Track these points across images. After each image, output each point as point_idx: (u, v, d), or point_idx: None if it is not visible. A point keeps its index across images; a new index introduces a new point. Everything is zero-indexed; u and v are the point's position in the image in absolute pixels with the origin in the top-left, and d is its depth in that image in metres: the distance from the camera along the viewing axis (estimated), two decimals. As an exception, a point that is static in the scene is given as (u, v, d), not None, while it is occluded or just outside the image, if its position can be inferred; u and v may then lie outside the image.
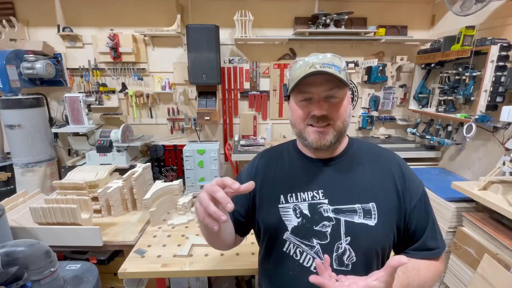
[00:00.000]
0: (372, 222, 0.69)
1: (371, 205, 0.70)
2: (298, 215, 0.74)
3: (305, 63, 0.69)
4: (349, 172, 0.75)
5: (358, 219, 0.70)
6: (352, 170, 0.75)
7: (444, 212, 1.74)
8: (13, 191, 2.30)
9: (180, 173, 2.69)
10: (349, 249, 0.69)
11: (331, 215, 0.71)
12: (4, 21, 2.25)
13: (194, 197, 1.68)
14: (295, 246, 0.73)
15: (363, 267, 0.70)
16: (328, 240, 0.70)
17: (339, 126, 0.71)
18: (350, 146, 0.80)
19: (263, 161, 0.86)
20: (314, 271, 0.69)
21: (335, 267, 0.69)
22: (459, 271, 1.59)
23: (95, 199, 1.55)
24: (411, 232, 0.73)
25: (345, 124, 0.72)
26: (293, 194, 0.76)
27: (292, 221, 0.74)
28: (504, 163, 1.56)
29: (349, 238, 0.69)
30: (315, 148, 0.73)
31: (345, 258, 0.69)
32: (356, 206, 0.71)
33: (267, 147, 0.93)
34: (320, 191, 0.74)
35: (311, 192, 0.74)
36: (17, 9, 2.40)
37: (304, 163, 0.79)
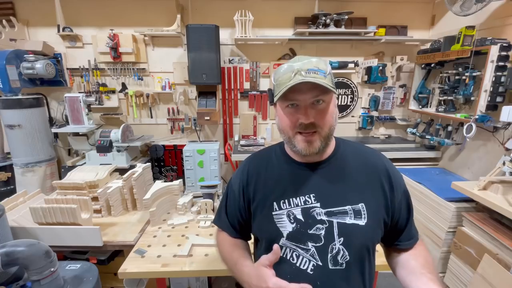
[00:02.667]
0: (362, 221, 0.72)
1: (361, 206, 0.73)
2: (292, 221, 0.75)
3: (290, 68, 0.69)
4: (338, 174, 0.77)
5: (349, 220, 0.72)
6: (341, 172, 0.77)
7: (444, 212, 1.74)
8: (13, 191, 2.30)
9: (180, 173, 2.70)
10: (342, 249, 0.71)
11: (324, 218, 0.73)
12: (4, 21, 2.26)
13: (194, 197, 1.68)
14: (291, 251, 0.75)
15: (356, 264, 0.73)
16: (323, 242, 0.72)
17: (326, 132, 0.72)
18: (338, 148, 0.81)
19: (252, 167, 0.86)
20: (311, 273, 0.71)
21: (330, 267, 0.71)
22: (459, 271, 1.59)
23: (95, 199, 1.55)
24: (398, 227, 0.79)
25: (332, 129, 0.74)
26: (286, 200, 0.77)
27: (287, 227, 0.75)
28: (504, 163, 1.56)
29: (342, 239, 0.72)
30: (304, 155, 0.74)
31: (339, 257, 0.71)
32: (347, 207, 0.73)
33: (255, 151, 0.93)
34: (311, 195, 0.75)
35: (303, 197, 0.76)
36: (17, 9, 2.41)
37: (293, 168, 0.80)
